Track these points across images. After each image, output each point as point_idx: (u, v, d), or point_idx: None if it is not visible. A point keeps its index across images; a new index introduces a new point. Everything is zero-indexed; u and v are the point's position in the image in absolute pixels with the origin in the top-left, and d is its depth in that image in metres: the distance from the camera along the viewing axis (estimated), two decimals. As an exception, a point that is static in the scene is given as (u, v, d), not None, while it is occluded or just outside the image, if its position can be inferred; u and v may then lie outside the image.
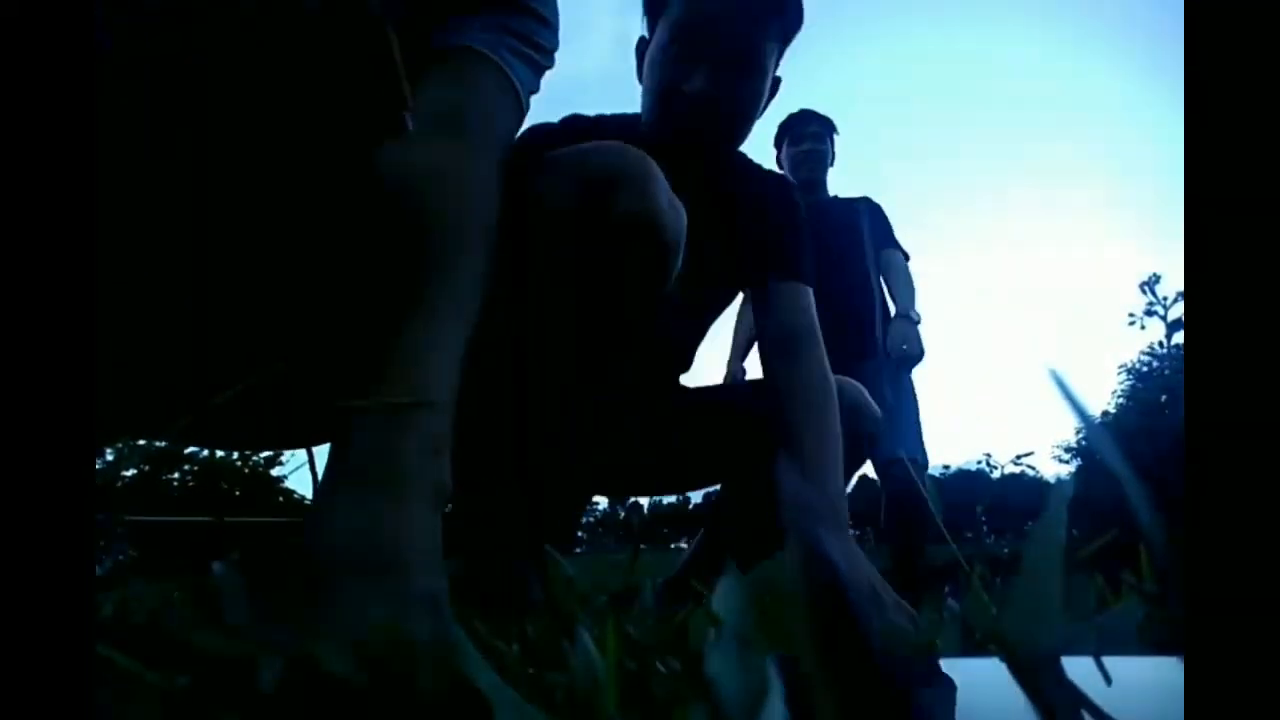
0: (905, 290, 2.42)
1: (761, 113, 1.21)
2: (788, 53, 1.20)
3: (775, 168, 2.37)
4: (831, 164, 2.50)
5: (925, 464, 2.48)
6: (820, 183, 2.48)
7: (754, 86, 1.14)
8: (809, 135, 2.44)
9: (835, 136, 2.52)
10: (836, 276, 2.28)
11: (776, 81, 1.22)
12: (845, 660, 0.13)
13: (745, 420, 1.30)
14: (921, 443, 2.47)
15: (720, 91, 1.10)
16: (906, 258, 2.51)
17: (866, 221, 2.49)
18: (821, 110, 2.86)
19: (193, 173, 0.73)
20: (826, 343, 1.46)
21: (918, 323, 2.36)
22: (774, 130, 2.55)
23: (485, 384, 0.87)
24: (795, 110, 2.52)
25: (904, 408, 2.38)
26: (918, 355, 2.35)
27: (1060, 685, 0.20)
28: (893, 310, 2.48)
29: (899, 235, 2.52)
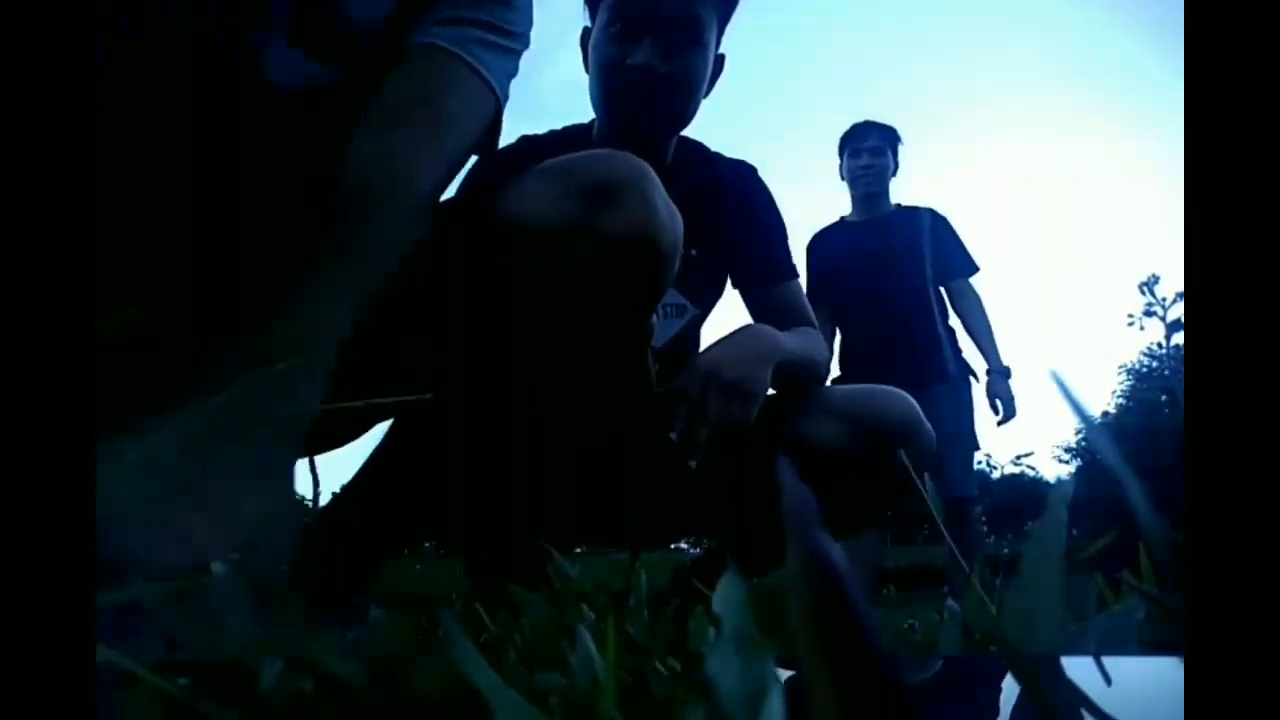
0: (986, 331, 2.26)
1: (707, 92, 1.22)
2: (729, 30, 1.22)
3: (838, 176, 2.36)
4: (894, 174, 2.40)
5: (974, 499, 2.30)
6: (882, 194, 2.40)
7: (696, 59, 1.15)
8: (868, 150, 2.37)
9: (899, 147, 2.43)
10: (898, 297, 2.25)
11: (720, 59, 1.22)
12: (845, 660, 0.13)
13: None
14: (972, 477, 2.30)
15: (662, 64, 1.11)
16: (976, 269, 2.38)
17: (928, 237, 2.38)
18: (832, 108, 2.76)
19: None
20: (889, 366, 1.52)
21: (1009, 377, 2.25)
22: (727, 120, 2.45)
23: (475, 404, 0.91)
24: (859, 121, 2.39)
25: (961, 440, 2.23)
26: (1010, 416, 2.24)
27: (1060, 685, 0.20)
28: (955, 335, 2.34)
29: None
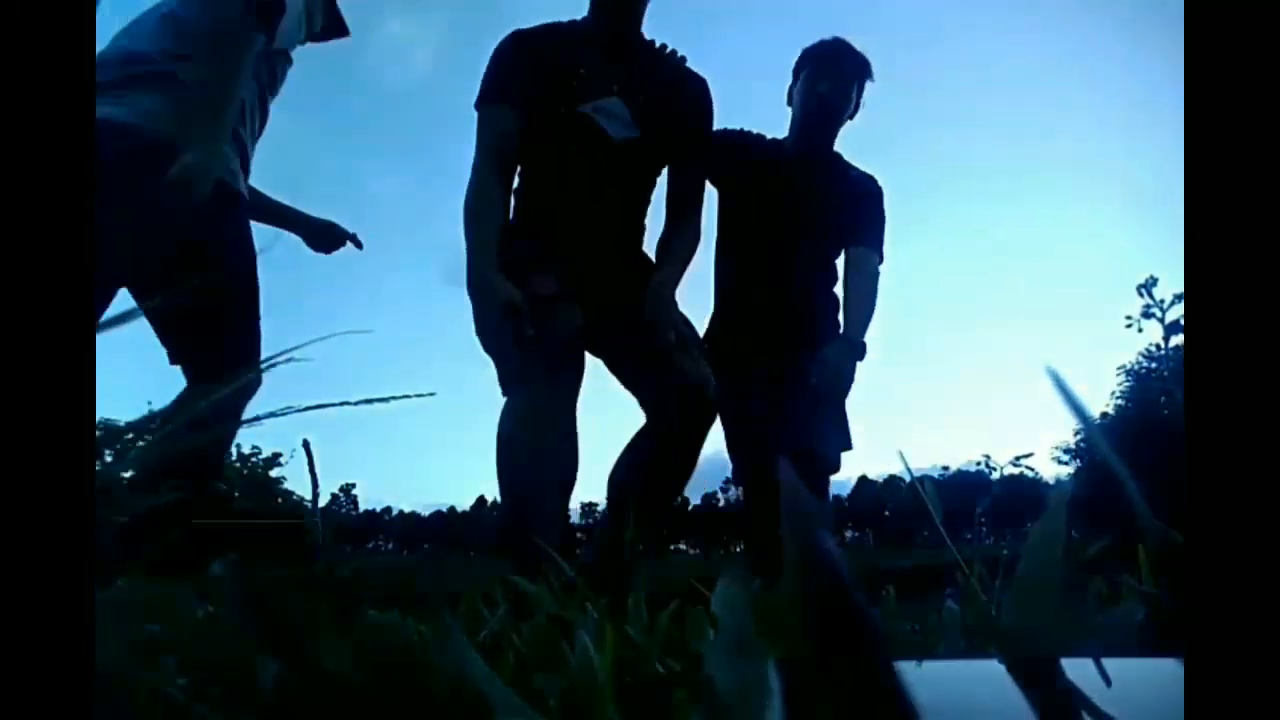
0: (865, 308, 2.00)
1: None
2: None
3: (786, 100, 2.08)
4: (853, 116, 2.05)
5: (833, 466, 2.06)
6: (832, 133, 2.05)
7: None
8: (833, 76, 1.98)
9: (866, 84, 2.05)
10: (810, 254, 2.04)
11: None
12: (844, 659, 0.13)
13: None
14: (836, 443, 2.07)
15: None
16: (882, 257, 2.10)
17: (857, 202, 2.08)
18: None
19: None
20: (787, 318, 2.04)
21: (861, 357, 1.97)
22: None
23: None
24: (829, 38, 2.03)
25: (835, 402, 2.02)
26: (840, 392, 1.96)
27: (1060, 685, 0.20)
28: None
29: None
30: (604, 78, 1.52)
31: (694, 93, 1.67)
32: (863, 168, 2.15)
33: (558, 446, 1.48)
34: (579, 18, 1.57)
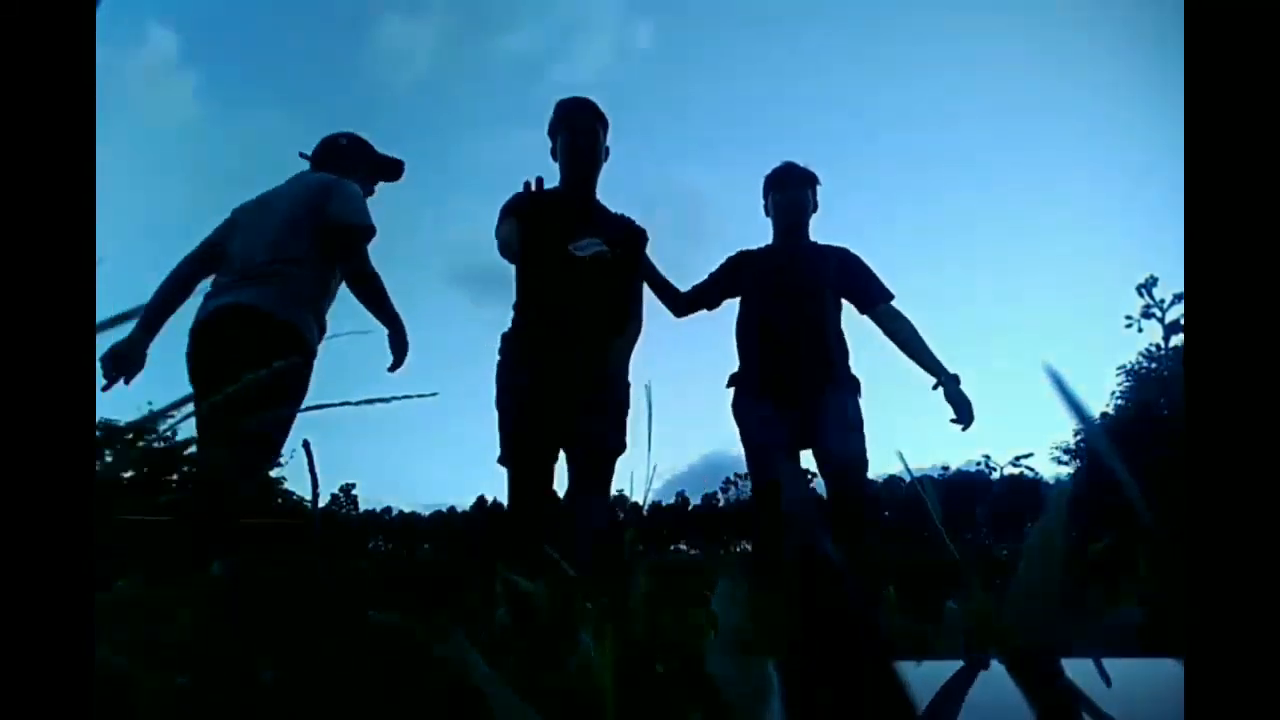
0: (922, 346, 2.57)
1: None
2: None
3: (765, 213, 2.87)
4: (814, 211, 2.79)
5: (865, 464, 2.56)
6: (803, 228, 2.75)
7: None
8: (791, 184, 2.77)
9: (817, 188, 2.83)
10: (808, 305, 2.62)
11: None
12: (841, 649, 0.13)
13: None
14: (859, 476, 2.58)
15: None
16: (892, 296, 2.68)
17: (833, 267, 2.72)
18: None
19: None
20: (794, 357, 2.53)
21: (959, 383, 2.50)
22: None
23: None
24: (782, 163, 2.86)
25: (852, 438, 2.56)
26: (966, 420, 2.44)
27: (1060, 685, 0.20)
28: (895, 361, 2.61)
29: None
30: (578, 222, 2.41)
31: (636, 234, 2.55)
32: (837, 242, 2.85)
33: (536, 510, 2.16)
34: (556, 185, 2.50)
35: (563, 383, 2.20)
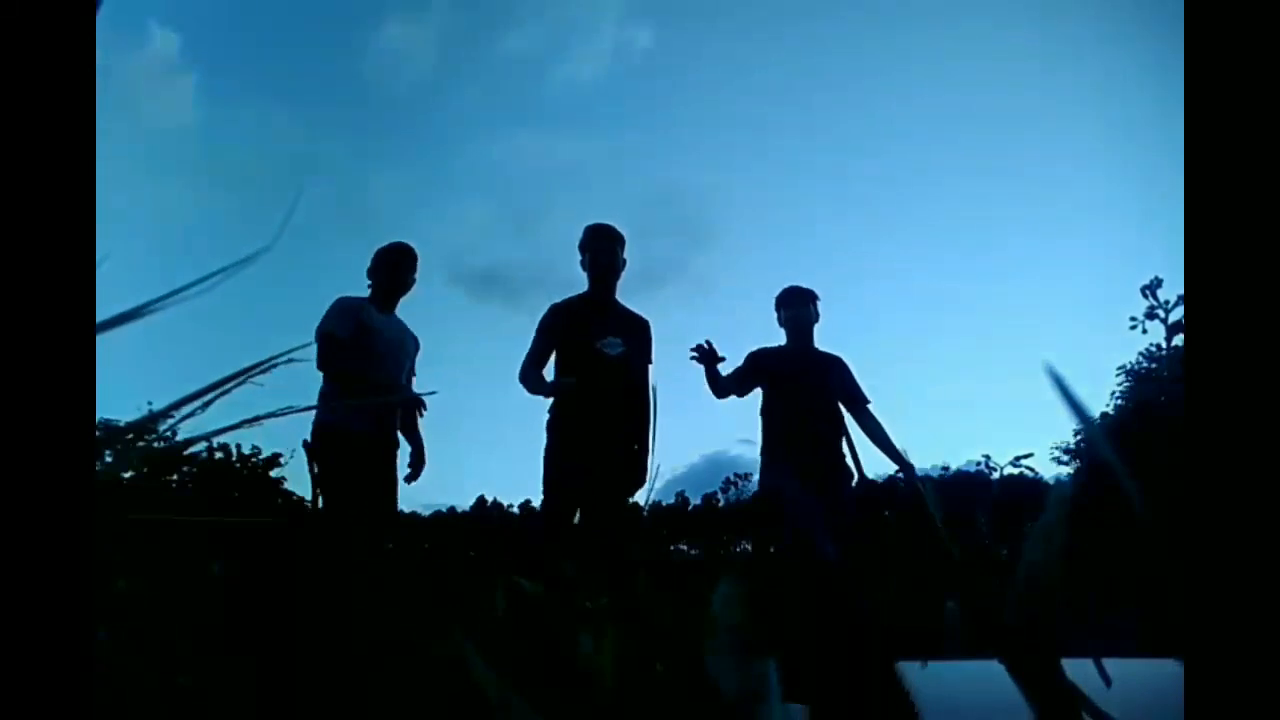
0: (887, 440, 3.36)
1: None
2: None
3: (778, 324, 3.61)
4: (816, 321, 3.56)
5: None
6: (809, 336, 3.51)
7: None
8: (796, 303, 3.52)
9: (817, 302, 3.59)
10: (821, 394, 3.35)
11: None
12: (839, 644, 0.13)
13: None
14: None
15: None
16: (868, 400, 3.46)
17: (837, 369, 3.56)
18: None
19: None
20: (813, 437, 3.13)
21: (914, 470, 3.43)
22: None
23: None
24: (787, 287, 3.69)
25: (847, 515, 3.21)
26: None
27: (1060, 685, 0.20)
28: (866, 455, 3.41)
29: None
30: (603, 324, 2.99)
31: (645, 327, 3.16)
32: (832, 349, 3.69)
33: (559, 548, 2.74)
34: (585, 291, 3.11)
35: (597, 460, 2.82)
